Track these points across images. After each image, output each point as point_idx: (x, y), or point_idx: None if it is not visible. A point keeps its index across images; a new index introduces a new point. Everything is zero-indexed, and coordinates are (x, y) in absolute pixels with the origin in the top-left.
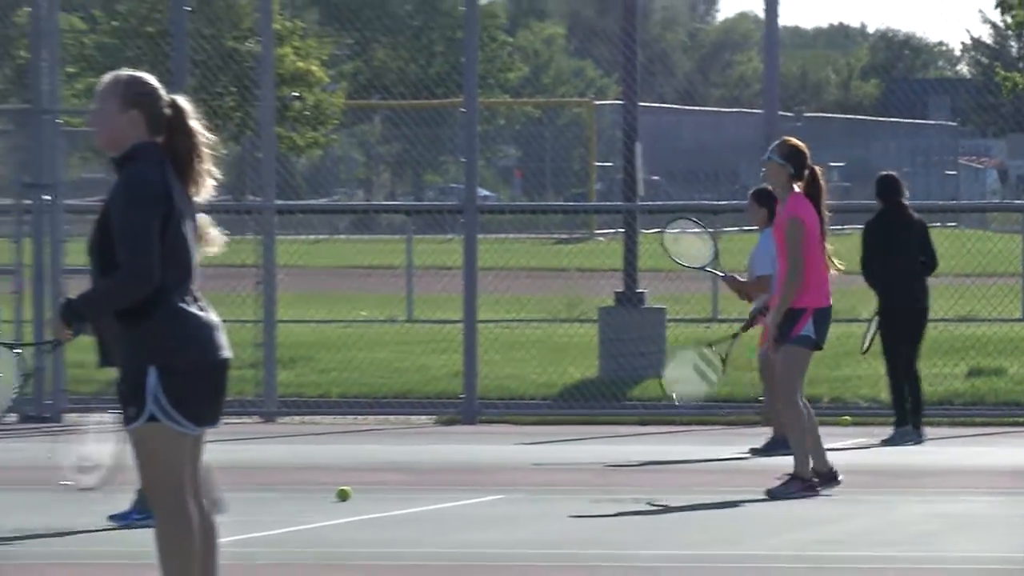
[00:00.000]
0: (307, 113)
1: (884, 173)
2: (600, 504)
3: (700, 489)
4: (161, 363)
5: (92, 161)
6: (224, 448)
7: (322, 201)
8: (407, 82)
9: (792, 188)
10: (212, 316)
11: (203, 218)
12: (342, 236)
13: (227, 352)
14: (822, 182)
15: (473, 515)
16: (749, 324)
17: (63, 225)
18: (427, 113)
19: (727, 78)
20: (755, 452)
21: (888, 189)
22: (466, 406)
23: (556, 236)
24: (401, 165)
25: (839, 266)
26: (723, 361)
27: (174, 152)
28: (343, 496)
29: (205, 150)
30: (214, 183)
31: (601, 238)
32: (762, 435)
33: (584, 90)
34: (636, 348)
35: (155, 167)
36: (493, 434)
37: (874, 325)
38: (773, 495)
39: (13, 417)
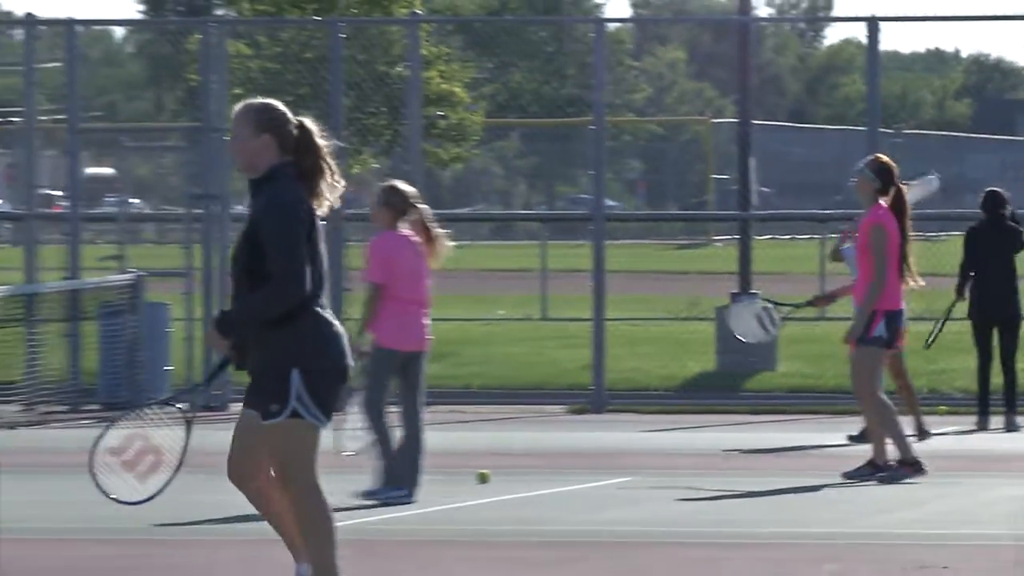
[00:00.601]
0: (451, 131)
1: (991, 189)
2: (717, 486)
3: (808, 472)
4: (303, 365)
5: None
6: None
7: (465, 210)
8: (541, 102)
9: (877, 201)
10: (339, 324)
11: (438, 231)
12: (483, 242)
13: (350, 360)
14: (906, 198)
15: (603, 496)
16: (813, 303)
17: (229, 232)
18: (559, 130)
19: (833, 98)
20: (852, 439)
21: (992, 202)
22: (595, 397)
23: (677, 242)
24: (536, 177)
25: (920, 282)
26: (781, 319)
27: (302, 169)
28: (483, 479)
29: (329, 166)
30: (340, 195)
31: (718, 244)
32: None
33: (703, 109)
34: (749, 344)
35: (296, 185)
36: (619, 422)
37: (941, 324)
38: (848, 476)
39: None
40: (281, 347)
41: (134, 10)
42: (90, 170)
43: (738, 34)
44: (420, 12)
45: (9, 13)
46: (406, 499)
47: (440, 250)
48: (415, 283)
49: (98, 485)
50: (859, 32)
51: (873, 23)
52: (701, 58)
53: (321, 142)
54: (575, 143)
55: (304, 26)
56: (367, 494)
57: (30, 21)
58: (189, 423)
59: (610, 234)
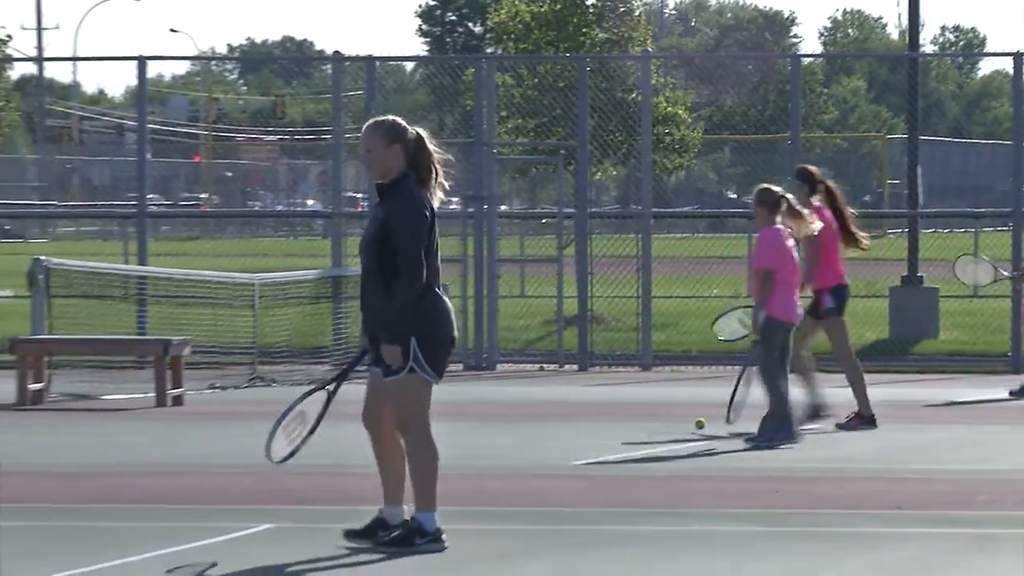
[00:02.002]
0: (675, 145)
1: None
2: (890, 431)
3: (967, 421)
4: (420, 334)
5: (518, 180)
6: (610, 389)
7: (685, 208)
8: (748, 121)
9: (810, 201)
10: (449, 303)
11: (804, 211)
12: (700, 234)
13: (455, 331)
14: (836, 192)
15: (808, 440)
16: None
17: (496, 226)
18: (763, 144)
19: (985, 118)
20: (1012, 394)
21: None
22: (792, 356)
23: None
24: (744, 183)
25: (866, 244)
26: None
27: (419, 172)
28: (700, 425)
29: (440, 167)
30: (445, 193)
31: (891, 235)
32: (1017, 381)
33: (879, 127)
34: (916, 317)
35: (419, 191)
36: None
37: None
38: (840, 427)
39: (459, 366)
40: (404, 321)
41: (420, 48)
42: None
43: (907, 67)
44: (651, 50)
45: (321, 51)
46: (790, 442)
47: (808, 225)
48: (793, 268)
49: (269, 445)
50: (1007, 64)
51: (1018, 57)
52: (878, 86)
53: (432, 148)
54: (775, 155)
55: (558, 61)
56: (752, 439)
57: (337, 58)
58: (329, 399)
59: None
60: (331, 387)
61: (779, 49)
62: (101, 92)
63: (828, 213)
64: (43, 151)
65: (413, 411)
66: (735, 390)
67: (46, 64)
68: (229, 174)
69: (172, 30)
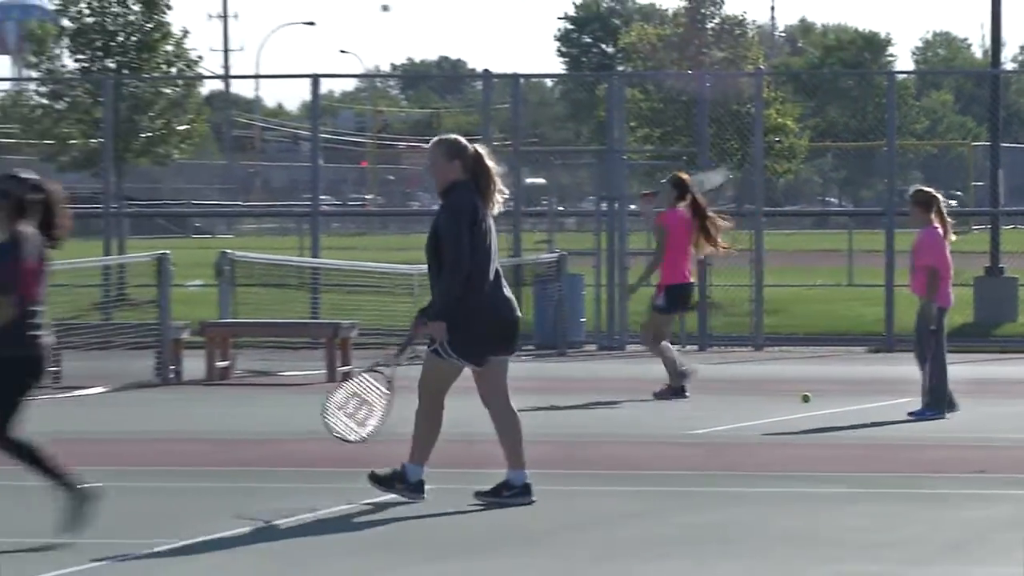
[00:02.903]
0: (784, 151)
1: None
2: (974, 406)
3: None
4: (452, 323)
5: (645, 182)
6: (726, 367)
7: (793, 208)
8: (849, 130)
9: (676, 205)
10: (504, 298)
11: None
12: (806, 231)
13: (515, 314)
14: (699, 200)
15: (892, 411)
16: None
17: (625, 223)
18: (861, 152)
19: None
20: None
21: None
22: (886, 341)
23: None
24: (845, 185)
25: (722, 247)
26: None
27: (478, 184)
28: (805, 399)
29: (497, 179)
30: (503, 199)
31: (976, 231)
32: None
33: (965, 136)
34: (997, 303)
35: (468, 195)
36: (904, 360)
37: None
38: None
39: (594, 346)
40: (443, 308)
41: (559, 66)
42: (528, 180)
43: (990, 82)
44: (763, 68)
45: (472, 69)
46: (939, 417)
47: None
48: (950, 262)
49: (327, 426)
50: None
51: None
52: (964, 99)
53: (490, 163)
54: (873, 160)
55: (680, 78)
56: (915, 414)
57: (487, 76)
58: (390, 381)
59: (901, 224)
60: (385, 367)
61: (876, 67)
62: (280, 106)
63: (685, 214)
64: (229, 158)
65: (429, 384)
66: (927, 376)
67: (232, 81)
68: (391, 178)
69: (342, 51)
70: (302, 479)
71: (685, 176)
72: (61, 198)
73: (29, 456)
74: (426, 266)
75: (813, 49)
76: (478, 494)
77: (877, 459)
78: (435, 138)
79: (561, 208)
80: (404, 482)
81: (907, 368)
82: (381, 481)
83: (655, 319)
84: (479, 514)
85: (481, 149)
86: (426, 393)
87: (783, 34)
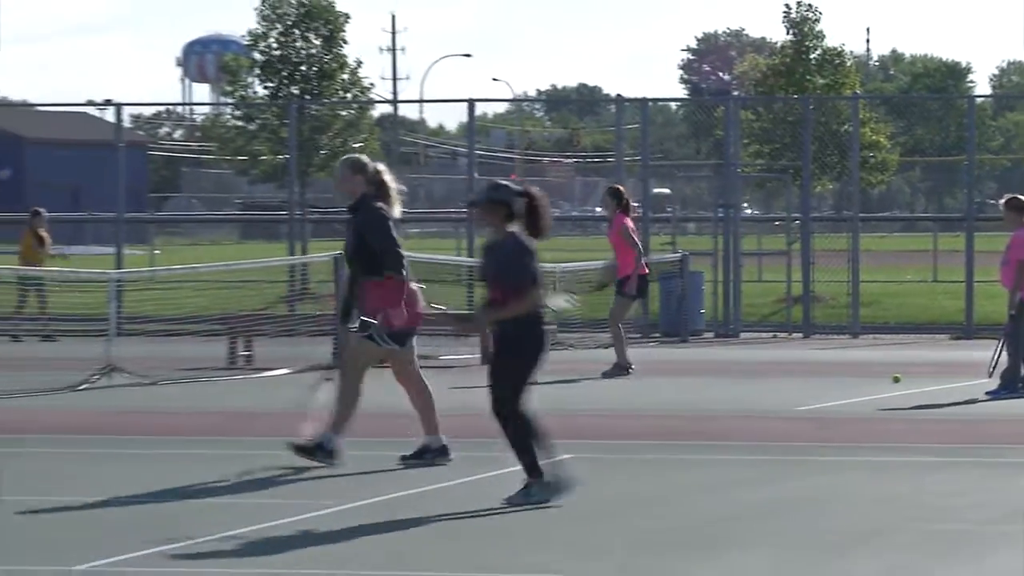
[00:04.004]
0: (877, 165)
1: None
2: None
3: None
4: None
5: (756, 192)
6: (827, 352)
7: (885, 214)
8: (934, 146)
9: (617, 212)
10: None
11: None
12: (896, 234)
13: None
14: (630, 206)
15: (972, 390)
16: None
17: (739, 228)
18: (944, 164)
19: None
20: None
21: None
22: (966, 329)
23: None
24: (930, 194)
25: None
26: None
27: (380, 193)
28: (896, 380)
29: (392, 189)
30: (400, 205)
31: None
32: None
33: None
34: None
35: (378, 204)
36: (983, 345)
37: None
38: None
39: (711, 334)
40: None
41: (682, 91)
42: (655, 190)
43: None
44: (859, 92)
45: (607, 94)
46: (1014, 396)
47: None
48: None
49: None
50: None
51: None
52: None
53: (388, 177)
54: (955, 173)
55: (787, 102)
56: (991, 393)
57: (619, 100)
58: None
59: (979, 228)
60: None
61: (958, 91)
62: (441, 126)
63: (629, 221)
64: (397, 171)
65: (358, 364)
66: (997, 353)
67: (400, 105)
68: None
69: (494, 79)
70: (465, 447)
71: (622, 187)
72: (545, 202)
73: (528, 430)
74: (556, 265)
75: (903, 76)
76: (403, 457)
77: (957, 432)
78: (343, 158)
79: (682, 214)
80: (323, 450)
81: (985, 353)
82: (303, 450)
83: (626, 305)
84: (608, 482)
85: (380, 166)
86: (353, 371)
87: (876, 63)
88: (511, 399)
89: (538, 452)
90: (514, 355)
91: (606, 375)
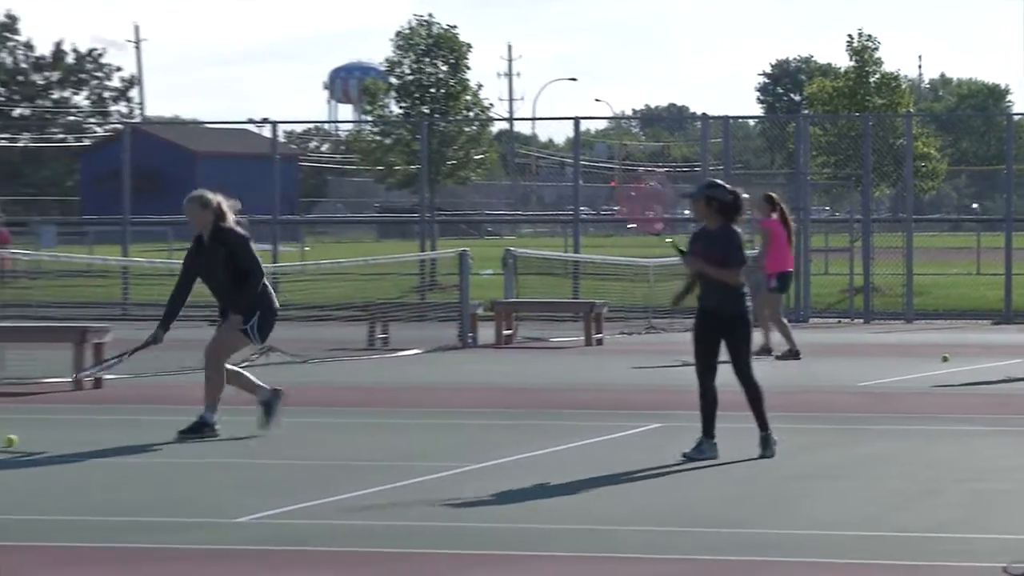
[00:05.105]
0: (928, 174)
1: None
2: None
3: None
4: (262, 310)
5: (823, 197)
6: (885, 335)
7: (935, 216)
8: (977, 158)
9: (771, 215)
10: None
11: None
12: (943, 232)
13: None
14: (786, 210)
15: (1012, 369)
16: None
17: (808, 228)
18: (986, 173)
19: None
20: None
21: None
22: (1005, 315)
23: None
24: (974, 199)
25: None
26: None
27: (222, 219)
28: (945, 359)
29: (226, 211)
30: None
31: None
32: None
33: None
34: None
35: (235, 229)
36: (1020, 331)
37: None
38: (778, 358)
39: (785, 320)
40: (253, 304)
41: (759, 109)
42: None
43: None
44: (912, 111)
45: (693, 112)
46: None
47: None
48: None
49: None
50: None
51: None
52: None
53: (226, 207)
54: (996, 180)
55: (850, 119)
56: None
57: (704, 117)
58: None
59: (1017, 228)
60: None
61: (997, 110)
62: (550, 140)
63: (776, 225)
64: (513, 179)
65: (223, 352)
66: None
67: (515, 122)
68: (633, 194)
69: (596, 99)
70: (572, 418)
71: (774, 193)
72: (744, 199)
73: (756, 395)
74: (620, 259)
75: (950, 96)
76: (180, 431)
77: (1002, 405)
78: (190, 195)
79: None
80: (208, 425)
81: (1022, 336)
82: (191, 431)
83: (775, 299)
84: (674, 447)
85: (220, 197)
86: (220, 359)
87: (928, 85)
88: (749, 365)
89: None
90: (746, 329)
91: (780, 358)
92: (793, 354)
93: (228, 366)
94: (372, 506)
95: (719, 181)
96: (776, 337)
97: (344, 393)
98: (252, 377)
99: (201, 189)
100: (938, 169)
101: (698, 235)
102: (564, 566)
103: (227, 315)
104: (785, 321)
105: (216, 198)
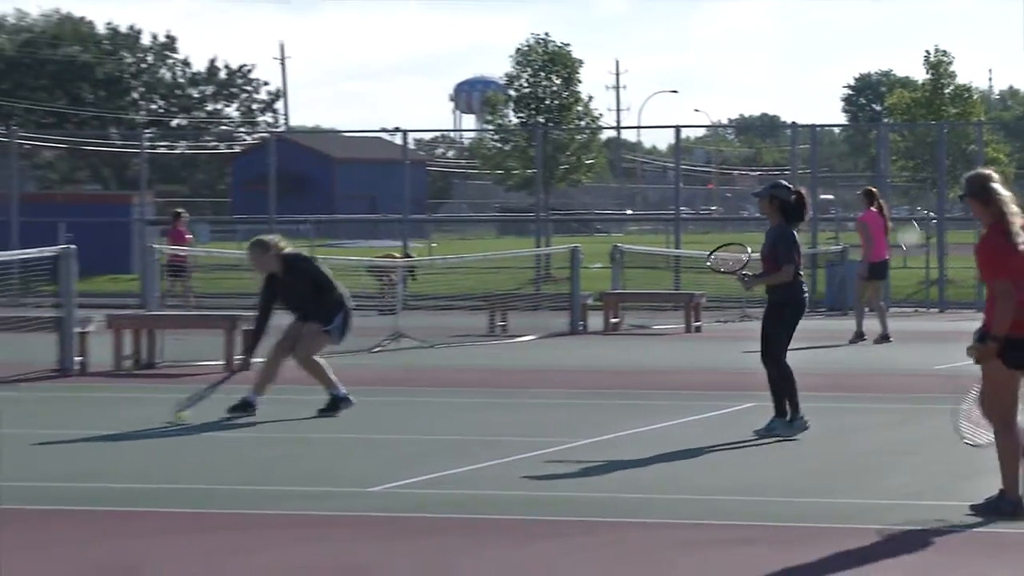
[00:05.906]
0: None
1: None
2: None
3: None
4: (344, 312)
5: (901, 197)
6: (957, 323)
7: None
8: None
9: (870, 208)
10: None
11: None
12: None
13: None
14: (884, 204)
15: None
16: None
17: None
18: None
19: None
20: None
21: None
22: None
23: None
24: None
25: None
26: None
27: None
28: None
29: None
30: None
31: None
32: None
33: None
34: None
35: (303, 256)
36: None
37: None
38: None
39: (866, 309)
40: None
41: (843, 118)
42: (822, 196)
43: None
44: (983, 119)
45: (783, 121)
46: None
47: None
48: None
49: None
50: None
51: None
52: None
53: (281, 241)
54: None
55: (926, 127)
56: None
57: (793, 126)
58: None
59: None
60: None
61: None
62: (654, 147)
63: (876, 215)
64: (620, 182)
65: (316, 351)
66: None
67: (622, 131)
68: (729, 195)
69: (695, 109)
70: (674, 398)
71: (874, 188)
72: (808, 198)
73: (788, 381)
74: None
75: (1019, 106)
76: (320, 409)
77: None
78: (253, 242)
79: (844, 215)
80: (343, 399)
81: None
82: (237, 408)
83: (873, 286)
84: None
85: (281, 242)
86: (310, 355)
87: (998, 96)
88: (776, 350)
89: (786, 397)
90: (778, 318)
91: (876, 342)
92: (884, 338)
93: (316, 358)
94: (497, 476)
95: (785, 183)
96: (871, 324)
97: (467, 375)
98: (333, 376)
99: (259, 236)
100: (1007, 172)
101: (767, 232)
102: (667, 532)
103: (308, 319)
104: (883, 305)
105: (272, 239)
